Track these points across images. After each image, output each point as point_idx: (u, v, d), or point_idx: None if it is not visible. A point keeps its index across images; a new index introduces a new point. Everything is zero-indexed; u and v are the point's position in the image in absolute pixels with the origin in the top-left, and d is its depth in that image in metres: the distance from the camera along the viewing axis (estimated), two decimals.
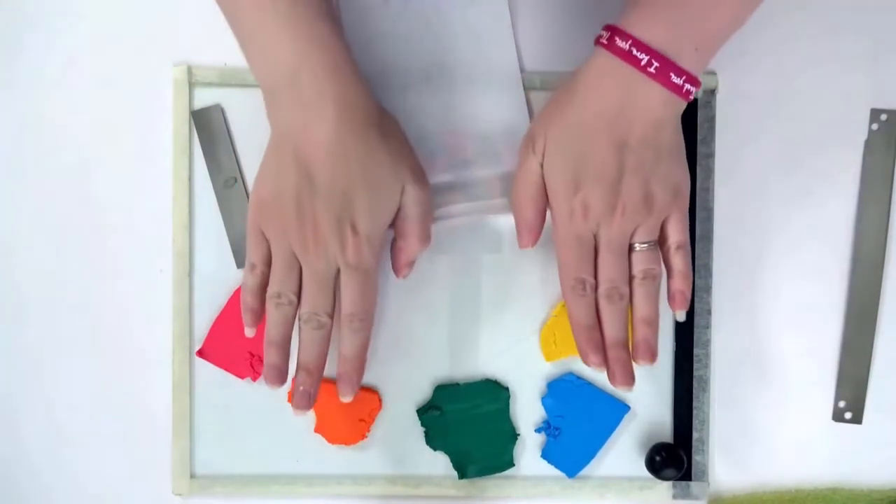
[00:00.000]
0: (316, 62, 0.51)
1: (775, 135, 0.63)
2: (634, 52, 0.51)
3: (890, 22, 0.63)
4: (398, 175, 0.54)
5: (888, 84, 0.63)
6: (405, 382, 0.62)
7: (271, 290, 0.55)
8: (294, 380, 0.56)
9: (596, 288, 0.55)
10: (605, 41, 0.52)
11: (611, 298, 0.55)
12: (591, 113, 0.52)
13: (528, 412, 0.63)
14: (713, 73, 0.62)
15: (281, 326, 0.55)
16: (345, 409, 0.62)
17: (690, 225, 0.61)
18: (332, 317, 0.55)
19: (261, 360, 0.62)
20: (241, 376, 0.62)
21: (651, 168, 0.53)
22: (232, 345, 0.62)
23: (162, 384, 0.62)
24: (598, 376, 0.63)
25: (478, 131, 0.61)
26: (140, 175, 0.62)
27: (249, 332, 0.56)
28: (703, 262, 0.62)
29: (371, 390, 0.62)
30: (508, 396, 0.62)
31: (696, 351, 0.62)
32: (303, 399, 0.55)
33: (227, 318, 0.62)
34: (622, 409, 0.62)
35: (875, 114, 0.63)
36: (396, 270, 0.58)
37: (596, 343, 0.55)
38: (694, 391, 0.62)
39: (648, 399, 0.63)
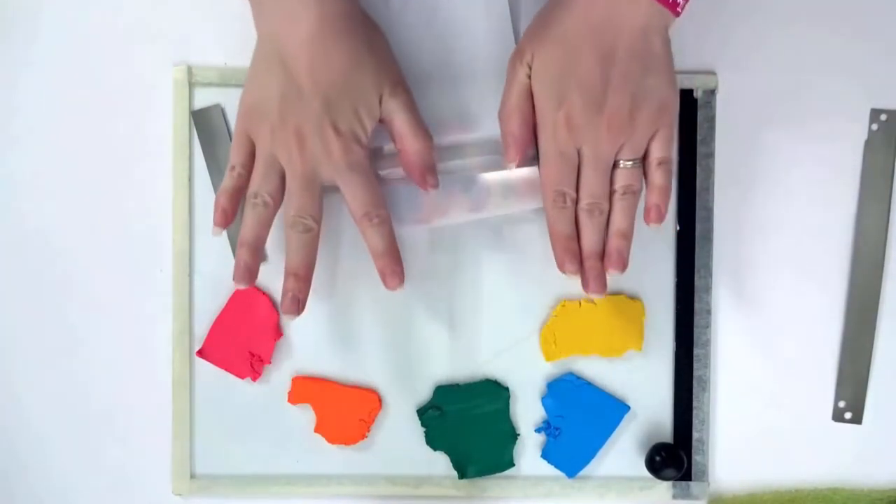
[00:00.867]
0: None
1: (775, 135, 0.63)
2: None
3: (889, 22, 0.63)
4: (378, 77, 0.55)
5: (888, 84, 0.63)
6: (405, 382, 0.62)
7: (249, 190, 0.55)
8: (283, 285, 0.56)
9: (576, 201, 0.55)
10: None
11: (591, 213, 0.55)
12: (577, 23, 0.52)
13: (528, 412, 0.63)
14: (713, 73, 0.62)
15: (256, 227, 0.55)
16: (345, 409, 0.62)
17: (691, 225, 0.62)
18: (318, 222, 0.55)
19: (261, 360, 0.62)
20: (241, 376, 0.62)
21: (637, 81, 0.52)
22: (232, 345, 0.62)
23: (162, 384, 0.62)
24: (599, 376, 0.63)
25: (477, 131, 0.61)
26: (140, 175, 0.62)
27: (216, 232, 0.56)
28: (703, 262, 0.62)
29: (371, 390, 0.62)
30: (508, 396, 0.62)
31: (696, 351, 0.62)
32: (293, 304, 0.55)
33: (227, 318, 0.62)
34: (622, 409, 0.62)
35: (875, 114, 0.63)
36: (419, 180, 0.57)
37: (573, 253, 0.56)
38: (694, 391, 0.62)
39: (648, 399, 0.63)
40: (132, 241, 0.63)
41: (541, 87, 0.54)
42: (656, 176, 0.55)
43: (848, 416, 0.63)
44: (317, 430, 0.62)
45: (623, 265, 0.55)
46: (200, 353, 0.62)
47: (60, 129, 0.62)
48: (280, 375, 0.62)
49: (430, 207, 0.60)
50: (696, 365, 0.62)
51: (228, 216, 0.56)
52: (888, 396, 0.63)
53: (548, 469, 0.63)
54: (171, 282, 0.62)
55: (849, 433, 0.63)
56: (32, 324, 0.63)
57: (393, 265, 0.56)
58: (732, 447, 0.63)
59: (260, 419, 0.62)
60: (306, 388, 0.62)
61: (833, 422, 0.63)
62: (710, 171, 0.62)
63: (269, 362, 0.62)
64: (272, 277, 0.62)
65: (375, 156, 0.59)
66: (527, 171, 0.58)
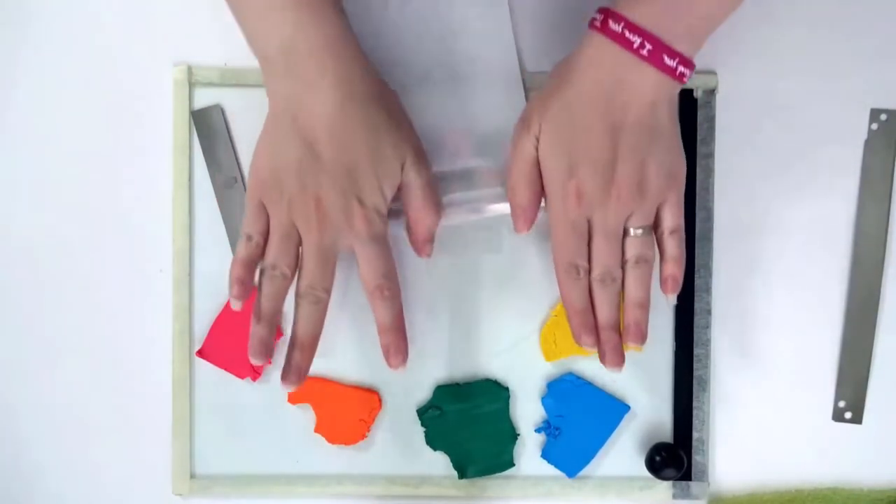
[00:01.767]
0: (313, 33, 0.51)
1: (775, 134, 0.63)
2: (627, 34, 0.50)
3: (889, 22, 0.63)
4: (399, 147, 0.54)
5: (888, 84, 0.63)
6: (405, 382, 0.62)
7: (266, 261, 0.54)
8: (287, 354, 0.55)
9: (589, 272, 0.55)
10: (598, 24, 0.52)
11: (604, 283, 0.55)
12: (585, 96, 0.52)
13: (528, 412, 0.63)
14: (713, 73, 0.62)
15: (272, 299, 0.54)
16: (345, 409, 0.62)
17: (690, 225, 0.62)
18: (329, 293, 0.55)
19: None
20: (241, 376, 0.62)
21: (646, 151, 0.53)
22: (232, 345, 0.62)
23: (162, 384, 0.62)
24: (599, 376, 0.63)
25: (478, 131, 0.61)
26: (140, 175, 0.62)
27: (236, 305, 0.55)
28: (703, 262, 0.62)
29: (371, 390, 0.62)
30: (508, 396, 0.62)
31: (696, 351, 0.62)
32: (294, 374, 0.55)
33: (227, 318, 0.62)
34: (622, 409, 0.62)
35: (875, 114, 0.63)
36: (418, 248, 0.58)
37: (589, 326, 0.55)
38: (694, 391, 0.62)
39: (648, 399, 0.63)
40: (132, 241, 0.63)
41: (549, 159, 0.54)
42: (670, 245, 0.55)
43: (848, 416, 0.63)
44: (317, 430, 0.62)
45: (642, 338, 0.55)
46: (200, 353, 0.62)
47: (60, 129, 0.62)
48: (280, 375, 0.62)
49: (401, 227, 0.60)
50: (696, 365, 0.62)
51: (247, 287, 0.55)
52: (888, 396, 0.63)
53: (548, 469, 0.63)
54: (171, 282, 0.62)
55: (849, 433, 0.63)
56: (32, 324, 0.63)
57: (398, 342, 0.56)
58: (732, 447, 0.63)
59: (260, 419, 0.62)
60: (306, 388, 0.62)
61: (833, 422, 0.63)
62: (710, 171, 0.62)
63: (270, 362, 0.62)
64: None
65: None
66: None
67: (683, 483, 0.62)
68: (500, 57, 0.62)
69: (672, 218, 0.55)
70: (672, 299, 0.56)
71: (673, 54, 0.51)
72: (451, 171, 0.61)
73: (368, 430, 0.62)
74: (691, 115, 0.62)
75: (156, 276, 0.62)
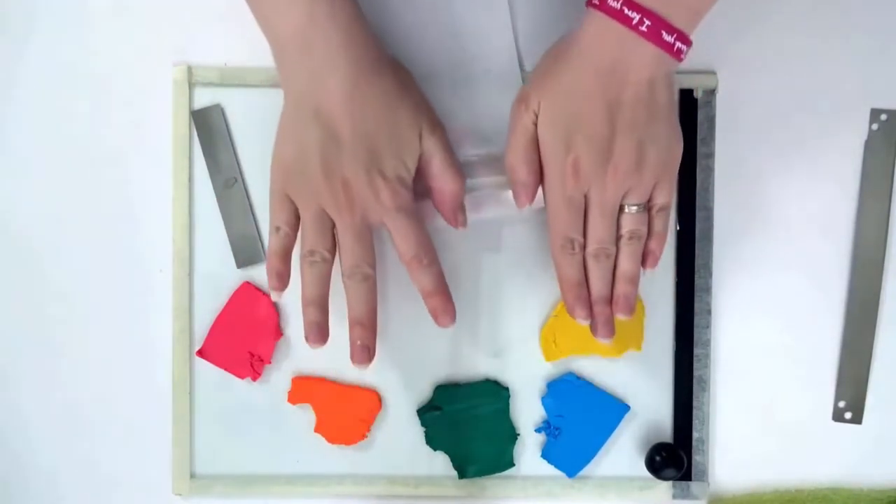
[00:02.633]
0: (326, 17, 0.52)
1: (775, 134, 0.63)
2: (626, 10, 0.51)
3: (889, 22, 0.63)
4: (415, 117, 0.55)
5: (888, 84, 0.63)
6: (405, 382, 0.62)
7: (304, 249, 0.55)
8: (350, 334, 0.56)
9: (584, 246, 0.55)
10: (596, 1, 0.52)
11: (598, 258, 0.55)
12: (583, 72, 0.52)
13: (528, 412, 0.63)
14: (713, 73, 0.62)
15: (318, 285, 0.56)
16: (345, 409, 0.62)
17: (690, 225, 0.62)
18: (373, 267, 0.56)
19: (261, 360, 0.62)
20: (241, 376, 0.62)
21: (644, 128, 0.53)
22: (232, 345, 0.62)
23: (162, 384, 0.62)
24: (598, 376, 0.63)
25: (477, 131, 0.61)
26: (140, 175, 0.62)
27: (277, 297, 0.56)
28: (703, 262, 0.62)
29: (371, 390, 0.62)
30: (508, 396, 0.62)
31: (696, 351, 0.62)
32: (363, 353, 0.56)
33: (227, 318, 0.62)
34: (622, 409, 0.62)
35: (875, 114, 0.63)
36: (450, 218, 0.58)
37: (584, 299, 0.56)
38: (694, 391, 0.62)
39: (648, 399, 0.63)
40: (132, 241, 0.63)
41: (548, 135, 0.54)
42: (656, 222, 0.56)
43: (848, 416, 0.63)
44: (317, 430, 0.62)
45: (630, 310, 0.56)
46: (200, 353, 0.62)
47: (60, 129, 0.62)
48: (280, 375, 0.62)
49: (430, 209, 0.60)
50: (696, 365, 0.62)
51: (284, 278, 0.56)
52: (888, 396, 0.63)
53: (548, 469, 0.63)
54: (171, 282, 0.62)
55: (849, 433, 0.63)
56: (32, 323, 0.63)
57: (444, 304, 0.57)
58: (732, 447, 0.63)
59: (260, 419, 0.63)
60: (306, 388, 0.62)
61: (833, 422, 0.63)
62: (710, 171, 0.62)
63: (269, 362, 0.62)
64: None
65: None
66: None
67: (683, 483, 0.62)
68: (500, 57, 0.62)
69: (664, 196, 0.55)
70: (649, 273, 0.57)
71: (671, 30, 0.51)
72: None
73: (368, 430, 0.62)
74: (691, 115, 0.62)
75: (156, 276, 0.62)
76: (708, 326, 0.62)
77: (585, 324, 0.56)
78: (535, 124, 0.54)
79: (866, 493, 0.63)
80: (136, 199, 0.62)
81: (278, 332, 0.62)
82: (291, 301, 0.62)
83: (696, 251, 0.62)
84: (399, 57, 0.58)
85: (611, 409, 0.62)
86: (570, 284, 0.56)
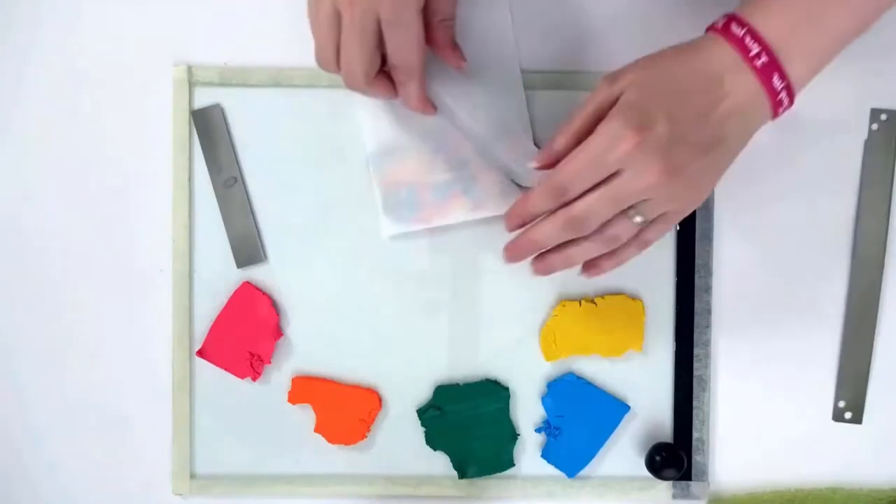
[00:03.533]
0: None
1: (775, 134, 0.63)
2: (748, 40, 0.49)
3: (889, 23, 0.62)
4: None
5: (888, 84, 0.63)
6: (405, 382, 0.62)
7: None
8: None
9: (567, 204, 0.51)
10: (719, 26, 0.51)
11: (569, 226, 0.51)
12: (685, 75, 0.50)
13: (528, 412, 0.63)
14: None
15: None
16: (345, 409, 0.62)
17: (690, 225, 0.62)
18: (369, 70, 0.54)
19: (261, 360, 0.62)
20: (241, 376, 0.62)
21: (708, 155, 0.50)
22: (232, 345, 0.62)
23: (162, 384, 0.62)
24: (599, 376, 0.63)
25: (478, 131, 0.61)
26: (140, 175, 0.62)
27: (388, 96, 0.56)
28: (703, 262, 0.62)
29: (371, 390, 0.62)
30: (508, 396, 0.62)
31: (696, 351, 0.62)
32: (417, 101, 0.57)
33: (227, 318, 0.62)
34: (622, 409, 0.62)
35: (875, 114, 0.63)
36: (445, 56, 0.57)
37: (523, 223, 0.53)
38: (694, 391, 0.62)
39: (648, 399, 0.63)
40: (132, 241, 0.63)
41: (631, 100, 0.50)
42: (629, 249, 0.54)
43: (848, 416, 0.63)
44: (317, 430, 0.62)
45: (541, 274, 0.54)
46: (200, 353, 0.62)
47: (60, 129, 0.62)
48: (280, 375, 0.62)
49: (430, 207, 0.60)
50: (696, 365, 0.62)
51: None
52: (888, 396, 0.63)
53: (548, 469, 0.63)
54: (171, 282, 0.62)
55: (849, 433, 0.63)
56: (32, 324, 0.63)
57: (424, 109, 0.57)
58: (732, 447, 0.63)
59: (260, 419, 0.62)
60: (306, 388, 0.62)
61: (833, 422, 0.63)
62: None
63: (269, 362, 0.62)
64: (272, 277, 0.62)
65: None
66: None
67: (683, 483, 0.62)
68: (500, 57, 0.62)
69: (654, 233, 0.53)
70: (584, 276, 0.55)
71: (783, 76, 0.49)
72: (452, 180, 0.61)
73: (368, 430, 0.62)
74: None
75: (156, 276, 0.62)
76: (708, 326, 0.62)
77: (507, 237, 0.54)
78: (613, 101, 0.50)
79: (866, 493, 0.63)
80: (136, 198, 0.62)
81: (278, 332, 0.62)
82: (292, 301, 0.62)
83: (696, 251, 0.62)
84: None
85: (611, 409, 0.62)
86: (524, 207, 0.53)
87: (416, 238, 0.62)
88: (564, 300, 0.62)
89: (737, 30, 0.50)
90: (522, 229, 0.54)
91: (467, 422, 0.62)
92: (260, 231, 0.62)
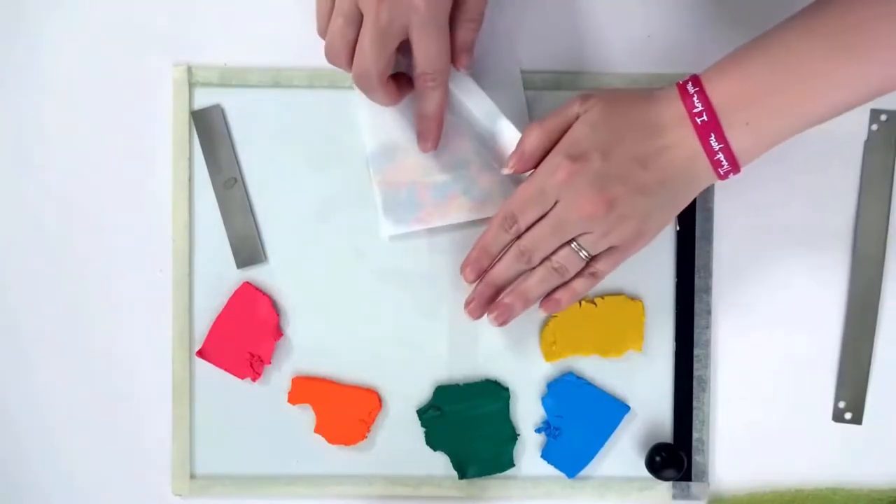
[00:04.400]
0: None
1: None
2: (695, 99, 0.52)
3: None
4: None
5: None
6: (405, 382, 0.62)
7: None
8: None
9: (519, 236, 0.55)
10: (681, 82, 0.53)
11: (521, 255, 0.55)
12: (645, 113, 0.53)
13: (528, 412, 0.63)
14: None
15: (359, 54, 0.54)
16: (345, 409, 0.62)
17: (690, 225, 0.62)
18: (384, 76, 0.54)
19: (261, 360, 0.62)
20: (241, 376, 0.62)
21: (649, 199, 0.53)
22: (232, 345, 0.62)
23: (162, 384, 0.62)
24: (599, 376, 0.63)
25: (478, 131, 0.61)
26: (140, 175, 0.62)
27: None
28: (703, 262, 0.62)
29: (371, 390, 0.62)
30: (508, 396, 0.62)
31: (696, 351, 0.62)
32: (431, 139, 0.59)
33: (227, 318, 0.62)
34: (622, 409, 0.62)
35: (875, 114, 0.63)
36: (457, 56, 0.56)
37: (481, 269, 0.57)
38: (694, 391, 0.62)
39: (648, 399, 0.63)
40: (132, 241, 0.63)
41: (580, 129, 0.53)
42: (582, 281, 0.56)
43: (848, 416, 0.63)
44: (317, 430, 0.62)
45: (502, 322, 0.57)
46: (200, 353, 0.62)
47: (60, 129, 0.62)
48: (280, 375, 0.62)
49: (430, 208, 0.60)
50: (696, 365, 0.62)
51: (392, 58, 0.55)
52: (888, 396, 0.63)
53: (548, 469, 0.63)
54: (171, 282, 0.62)
55: (849, 433, 0.63)
56: (32, 324, 0.63)
57: (433, 129, 0.57)
58: (732, 447, 0.63)
59: (260, 419, 0.62)
60: (306, 388, 0.62)
61: (833, 422, 0.63)
62: None
63: (269, 362, 0.62)
64: (272, 277, 0.62)
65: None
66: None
67: (683, 483, 0.62)
68: (501, 57, 0.62)
69: (607, 265, 0.55)
70: (541, 313, 0.58)
71: (721, 139, 0.51)
72: (452, 180, 0.61)
73: (368, 431, 0.62)
74: None
75: (156, 276, 0.62)
76: (708, 326, 0.62)
77: (466, 289, 0.57)
78: (578, 116, 0.54)
79: (866, 493, 0.63)
80: (136, 199, 0.62)
81: (278, 332, 0.62)
82: (292, 301, 0.62)
83: (696, 251, 0.62)
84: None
85: (611, 409, 0.62)
86: (483, 248, 0.57)
87: (416, 238, 0.62)
88: None
89: (691, 88, 0.52)
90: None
91: (467, 422, 0.62)
92: (260, 231, 0.62)
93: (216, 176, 0.62)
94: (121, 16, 0.62)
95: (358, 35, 0.53)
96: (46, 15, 0.62)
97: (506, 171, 0.56)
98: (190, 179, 0.62)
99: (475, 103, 0.59)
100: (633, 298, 0.62)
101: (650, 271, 0.62)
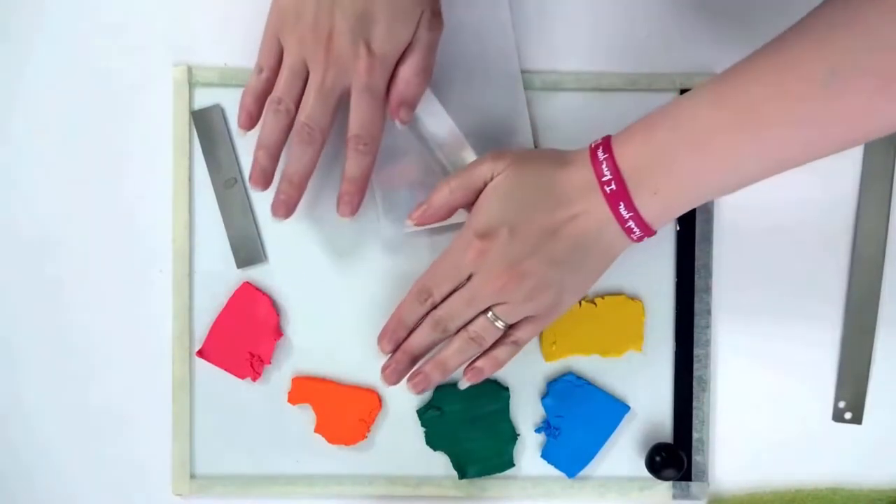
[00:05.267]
0: None
1: None
2: (604, 166, 0.51)
3: None
4: (421, 5, 0.54)
5: None
6: (405, 382, 0.62)
7: (273, 95, 0.56)
8: (278, 187, 0.57)
9: (434, 307, 0.55)
10: (593, 146, 0.53)
11: (437, 325, 0.55)
12: (552, 182, 0.52)
13: (528, 412, 0.63)
14: (713, 74, 0.62)
15: (275, 132, 0.56)
16: (345, 409, 0.62)
17: (691, 225, 0.62)
18: (324, 134, 0.55)
19: (261, 360, 0.62)
20: (241, 376, 0.62)
21: (560, 268, 0.53)
22: (232, 345, 0.62)
23: (162, 384, 0.62)
24: (599, 376, 0.63)
25: (477, 131, 0.61)
26: (140, 175, 0.62)
27: (242, 134, 0.57)
28: (703, 262, 0.62)
29: (371, 390, 0.62)
30: (508, 396, 0.62)
31: (696, 351, 0.62)
32: (281, 207, 0.57)
33: (227, 318, 0.62)
34: (622, 409, 0.62)
35: None
36: (394, 110, 0.56)
37: (397, 340, 0.57)
38: (694, 391, 0.62)
39: (648, 399, 0.63)
40: (132, 241, 0.63)
41: (488, 203, 0.53)
42: (503, 349, 0.56)
43: (848, 416, 0.63)
44: (317, 430, 0.62)
45: (417, 391, 0.57)
46: (200, 353, 0.62)
47: (60, 129, 0.62)
48: (280, 375, 0.62)
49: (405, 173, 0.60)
50: (696, 365, 0.62)
51: (253, 118, 0.57)
52: (888, 396, 0.63)
53: (548, 469, 0.63)
54: (171, 282, 0.62)
55: (849, 433, 0.63)
56: (32, 324, 0.63)
57: (354, 193, 0.57)
58: (732, 447, 0.63)
59: (260, 419, 0.63)
60: (306, 388, 0.62)
61: (833, 422, 0.63)
62: None
63: (269, 362, 0.62)
64: (272, 277, 0.62)
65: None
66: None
67: (683, 483, 0.62)
68: (500, 57, 0.62)
69: (527, 334, 0.55)
70: (463, 384, 0.57)
71: (630, 207, 0.51)
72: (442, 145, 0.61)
73: (368, 431, 0.62)
74: None
75: (156, 276, 0.62)
76: (708, 326, 0.62)
77: (381, 358, 0.57)
78: (488, 182, 0.54)
79: (866, 493, 0.63)
80: (136, 199, 0.63)
81: (278, 332, 0.62)
82: (292, 301, 0.62)
83: (696, 251, 0.62)
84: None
85: (611, 409, 0.62)
86: (398, 320, 0.56)
87: (416, 238, 0.62)
88: None
89: (601, 154, 0.52)
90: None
91: (467, 422, 0.62)
92: (260, 231, 0.62)
93: (216, 176, 0.62)
94: (121, 16, 0.62)
95: (304, 90, 0.55)
96: (46, 16, 0.62)
97: (408, 222, 0.56)
98: (190, 179, 0.62)
99: (440, 129, 0.59)
100: (633, 298, 0.62)
101: (650, 271, 0.62)
